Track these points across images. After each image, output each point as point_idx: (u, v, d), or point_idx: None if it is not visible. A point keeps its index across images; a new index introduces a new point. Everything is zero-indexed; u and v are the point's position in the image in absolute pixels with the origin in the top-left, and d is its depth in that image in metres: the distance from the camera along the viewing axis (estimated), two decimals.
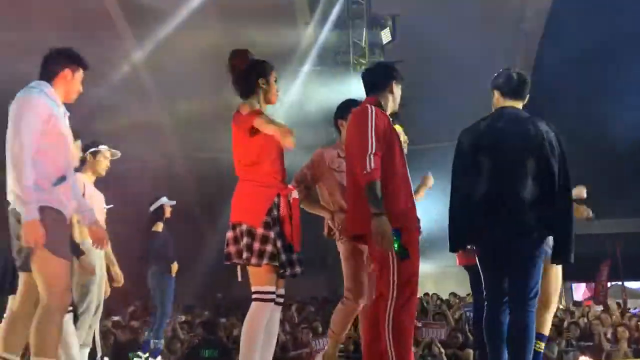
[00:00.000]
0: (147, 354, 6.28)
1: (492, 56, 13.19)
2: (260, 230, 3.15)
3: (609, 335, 8.08)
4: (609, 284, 15.10)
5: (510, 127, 3.37)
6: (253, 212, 3.18)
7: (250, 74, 3.39)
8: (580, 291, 17.77)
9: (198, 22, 12.97)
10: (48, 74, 3.21)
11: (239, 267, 3.31)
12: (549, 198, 3.25)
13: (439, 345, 7.16)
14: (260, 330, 3.17)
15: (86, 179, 4.55)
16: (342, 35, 14.53)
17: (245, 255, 3.14)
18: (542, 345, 3.99)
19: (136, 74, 14.14)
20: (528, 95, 3.56)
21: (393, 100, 3.39)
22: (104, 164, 4.62)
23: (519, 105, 3.52)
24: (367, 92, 3.40)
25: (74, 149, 4.44)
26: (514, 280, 3.33)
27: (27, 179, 2.96)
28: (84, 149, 4.58)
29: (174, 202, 6.61)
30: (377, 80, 3.40)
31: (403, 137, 4.35)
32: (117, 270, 4.79)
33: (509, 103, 3.49)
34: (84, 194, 4.34)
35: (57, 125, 3.13)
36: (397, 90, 3.41)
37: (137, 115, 13.21)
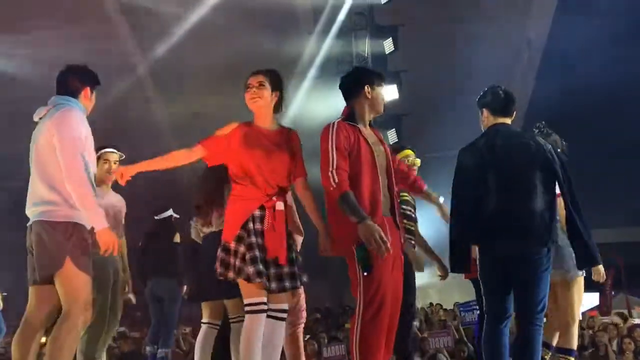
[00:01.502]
0: None
1: (496, 66, 13.20)
2: (232, 245, 3.14)
3: (614, 347, 8.01)
4: (613, 294, 15.06)
5: (510, 142, 3.38)
6: (228, 227, 3.19)
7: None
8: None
9: (201, 31, 13.03)
10: (71, 90, 3.26)
11: None
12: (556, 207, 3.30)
13: (446, 354, 7.09)
14: (256, 341, 3.13)
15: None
16: (345, 45, 14.57)
17: (220, 270, 3.15)
18: (572, 359, 4.00)
19: (138, 79, 14.19)
20: (515, 112, 3.56)
21: (371, 105, 3.28)
22: (105, 169, 4.53)
23: (508, 121, 3.51)
24: (345, 101, 3.36)
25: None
26: (523, 294, 3.30)
27: (91, 190, 3.06)
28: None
29: (178, 216, 6.59)
30: (349, 89, 3.34)
31: (411, 161, 4.38)
32: (126, 279, 4.65)
33: (500, 120, 3.49)
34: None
35: (91, 141, 3.21)
36: (376, 93, 3.29)
37: (138, 118, 13.24)
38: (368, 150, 3.16)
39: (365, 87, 3.27)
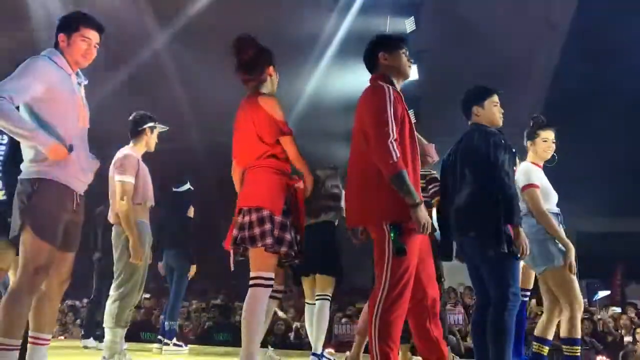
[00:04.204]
0: (167, 338, 6.27)
1: (520, 46, 12.98)
2: (279, 218, 3.14)
3: (629, 337, 7.98)
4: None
5: (460, 142, 3.74)
6: (273, 199, 3.16)
7: (260, 61, 3.38)
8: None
9: (220, 6, 12.91)
10: (56, 41, 3.19)
11: (232, 256, 3.35)
12: (482, 201, 3.50)
13: (456, 332, 7.12)
14: (262, 316, 3.20)
15: (139, 153, 4.60)
16: (366, 23, 14.36)
17: (269, 240, 3.12)
18: (577, 349, 4.00)
19: (156, 58, 14.13)
20: (477, 106, 3.74)
21: (394, 70, 3.13)
22: (155, 140, 4.71)
23: (471, 120, 3.77)
24: (371, 73, 3.22)
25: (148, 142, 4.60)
26: (485, 280, 3.58)
27: (26, 122, 2.91)
28: (140, 121, 4.63)
29: (192, 189, 6.64)
30: (368, 60, 3.21)
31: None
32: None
33: (470, 122, 3.80)
34: (138, 170, 4.42)
35: (61, 93, 3.06)
36: (393, 58, 3.13)
37: (156, 98, 13.22)
38: (410, 123, 3.02)
39: (380, 54, 3.14)
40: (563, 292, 4.03)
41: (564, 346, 4.09)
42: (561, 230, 4.08)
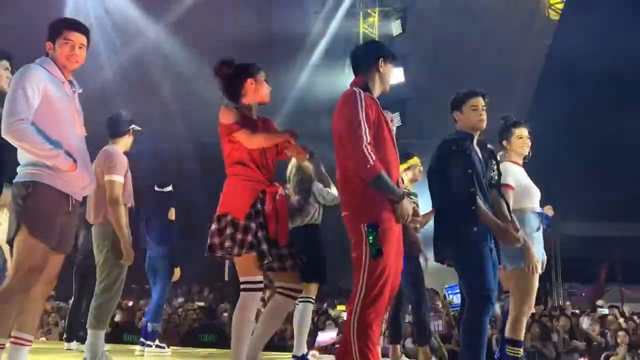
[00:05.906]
0: (149, 339, 6.22)
1: (506, 51, 13.09)
2: (242, 222, 3.18)
3: (609, 339, 8.07)
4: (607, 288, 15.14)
5: None
6: (238, 204, 3.22)
7: (239, 77, 3.42)
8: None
9: (207, 9, 12.90)
10: (46, 51, 3.20)
11: (226, 266, 3.36)
12: (438, 211, 3.58)
13: (438, 338, 7.14)
14: (250, 320, 3.22)
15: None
16: (353, 26, 14.42)
17: (227, 244, 3.16)
18: (519, 350, 4.07)
19: (144, 58, 14.09)
20: (457, 112, 3.68)
21: (381, 79, 3.16)
22: (130, 142, 4.71)
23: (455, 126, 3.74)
24: (355, 74, 3.22)
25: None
26: None
27: (47, 142, 2.93)
28: (128, 121, 4.61)
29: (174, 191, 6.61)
30: (362, 60, 3.20)
31: (419, 169, 4.85)
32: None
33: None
34: (126, 173, 4.40)
35: (55, 99, 3.07)
36: (387, 69, 3.18)
37: (144, 99, 13.19)
38: (387, 126, 3.05)
39: (380, 60, 3.15)
40: (519, 294, 4.05)
41: (507, 346, 4.11)
42: (528, 232, 4.06)
